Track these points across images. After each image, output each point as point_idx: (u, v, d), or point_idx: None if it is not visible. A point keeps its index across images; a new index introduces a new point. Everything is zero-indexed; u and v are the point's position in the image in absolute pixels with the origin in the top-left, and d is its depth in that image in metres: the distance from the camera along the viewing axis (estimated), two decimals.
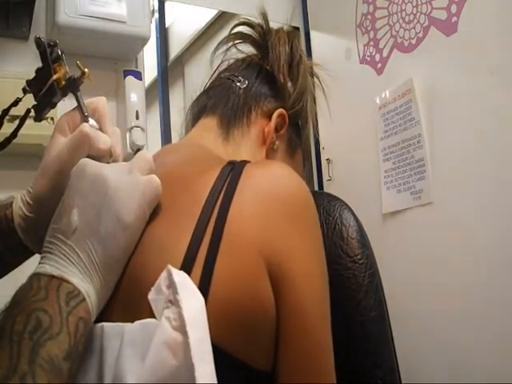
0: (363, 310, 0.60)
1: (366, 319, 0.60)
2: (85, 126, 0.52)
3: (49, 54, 0.55)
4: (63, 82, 0.55)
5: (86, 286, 0.43)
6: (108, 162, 0.53)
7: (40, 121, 0.58)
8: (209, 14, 1.68)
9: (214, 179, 0.50)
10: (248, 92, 0.69)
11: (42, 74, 0.56)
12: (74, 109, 0.56)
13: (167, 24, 1.60)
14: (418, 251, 1.30)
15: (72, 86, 0.55)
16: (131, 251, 0.47)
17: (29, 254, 0.58)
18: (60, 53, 0.56)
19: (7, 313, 0.40)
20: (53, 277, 0.42)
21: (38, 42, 0.55)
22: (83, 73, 0.56)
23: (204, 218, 0.47)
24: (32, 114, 0.59)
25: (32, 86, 0.57)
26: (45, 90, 0.55)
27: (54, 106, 0.57)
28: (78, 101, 0.55)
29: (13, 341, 0.37)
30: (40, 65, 0.56)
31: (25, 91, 0.58)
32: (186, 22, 1.70)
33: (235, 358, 0.44)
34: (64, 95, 0.56)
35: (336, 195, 0.69)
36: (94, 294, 0.44)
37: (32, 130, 0.59)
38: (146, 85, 1.49)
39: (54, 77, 0.55)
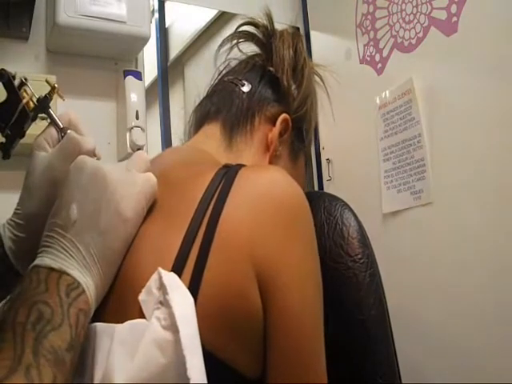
0: (363, 309, 0.60)
1: (367, 318, 0.60)
2: (72, 133, 0.55)
3: (13, 82, 0.56)
4: (32, 105, 0.56)
5: (86, 278, 0.44)
6: None
7: (9, 157, 0.59)
8: (209, 14, 1.68)
9: (208, 181, 0.50)
10: (252, 97, 0.69)
11: (7, 106, 0.57)
12: (48, 126, 0.58)
13: (167, 24, 1.60)
14: (418, 251, 1.30)
15: (42, 105, 0.57)
16: (129, 244, 0.48)
17: (17, 282, 0.57)
18: (24, 79, 0.57)
19: (9, 306, 0.41)
20: (52, 269, 0.43)
21: (1, 74, 0.56)
22: (53, 88, 0.57)
23: (196, 219, 0.47)
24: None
25: None
26: (15, 116, 0.56)
27: (23, 135, 0.58)
28: (51, 117, 0.57)
29: (16, 332, 0.38)
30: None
31: None
32: (186, 22, 1.70)
33: (223, 362, 0.44)
34: (34, 118, 0.57)
35: (336, 195, 0.69)
36: (93, 286, 0.44)
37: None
38: (145, 85, 1.49)
39: (24, 101, 0.56)
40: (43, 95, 0.57)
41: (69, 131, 0.55)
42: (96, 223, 0.45)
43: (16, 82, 0.57)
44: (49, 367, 0.37)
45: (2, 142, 0.58)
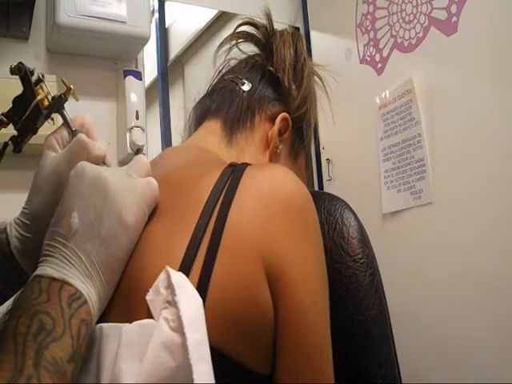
0: (363, 309, 0.60)
1: (367, 318, 0.60)
2: (81, 136, 0.54)
3: (30, 77, 0.56)
4: (46, 103, 0.56)
5: (88, 288, 0.43)
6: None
7: (19, 152, 0.58)
8: (209, 14, 1.68)
9: (214, 181, 0.50)
10: (252, 95, 0.69)
11: (22, 100, 0.56)
12: (60, 126, 0.57)
13: (167, 24, 1.60)
14: (417, 251, 1.30)
15: (56, 104, 0.56)
16: (131, 251, 0.47)
17: (22, 281, 0.55)
18: (41, 76, 0.57)
19: (10, 315, 0.40)
20: (54, 279, 0.42)
21: (19, 67, 0.56)
22: (69, 89, 0.56)
23: (203, 219, 0.47)
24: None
25: (10, 116, 0.57)
26: (28, 112, 0.55)
27: (35, 131, 0.57)
28: (64, 118, 0.56)
29: (17, 343, 0.37)
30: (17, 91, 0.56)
31: (2, 123, 0.57)
32: (185, 22, 1.70)
33: (233, 360, 0.44)
34: (48, 116, 0.57)
35: (336, 195, 0.69)
36: (96, 296, 0.44)
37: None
38: (146, 85, 1.49)
39: (38, 97, 0.55)
40: (58, 94, 0.56)
41: (80, 134, 0.54)
42: (97, 231, 0.45)
43: (33, 78, 0.56)
44: (49, 379, 0.36)
45: (14, 136, 0.58)
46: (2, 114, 0.57)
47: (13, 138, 0.58)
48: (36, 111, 0.55)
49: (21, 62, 0.56)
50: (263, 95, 0.70)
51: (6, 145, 0.58)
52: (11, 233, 0.55)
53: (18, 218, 0.56)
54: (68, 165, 0.52)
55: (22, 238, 0.55)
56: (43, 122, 0.57)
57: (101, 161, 0.54)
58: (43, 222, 0.51)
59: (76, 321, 0.41)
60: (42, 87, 0.56)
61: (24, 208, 0.56)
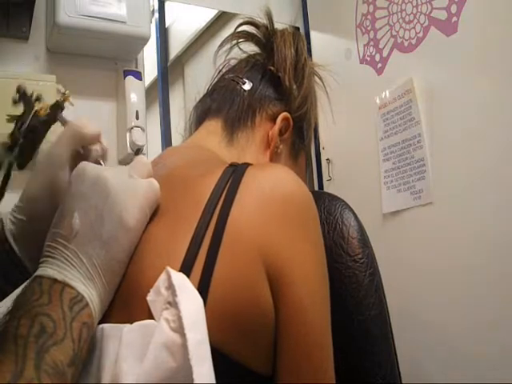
0: (363, 309, 0.60)
1: (367, 318, 0.60)
2: (71, 122, 0.55)
3: (29, 95, 0.59)
4: (48, 110, 0.58)
5: (89, 290, 0.43)
6: (100, 162, 0.56)
7: (22, 168, 0.60)
8: (209, 14, 1.68)
9: (215, 181, 0.50)
10: (253, 95, 0.69)
11: (24, 117, 0.59)
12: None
13: (167, 24, 1.61)
14: (418, 251, 1.30)
15: (54, 113, 0.58)
16: (132, 253, 0.47)
17: (19, 272, 0.55)
18: (40, 95, 0.59)
19: (10, 315, 0.40)
20: (55, 280, 0.42)
21: (19, 88, 0.59)
22: (64, 94, 0.58)
23: (204, 220, 0.47)
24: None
25: (14, 138, 0.59)
26: (28, 121, 0.58)
27: (35, 147, 0.59)
28: (63, 120, 0.58)
29: (18, 344, 0.37)
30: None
31: (5, 145, 0.60)
32: (186, 22, 1.70)
33: (233, 360, 0.44)
34: (47, 127, 0.59)
35: (336, 195, 0.69)
36: (97, 298, 0.44)
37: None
38: (146, 85, 1.49)
39: (35, 108, 0.58)
40: (54, 102, 0.58)
41: (69, 122, 0.56)
42: (99, 233, 0.45)
43: (33, 99, 0.59)
44: (50, 382, 0.36)
45: (17, 153, 0.60)
46: (8, 136, 0.60)
47: (16, 156, 0.60)
48: (35, 125, 0.58)
49: (19, 85, 0.60)
50: (264, 95, 0.70)
51: (10, 164, 0.60)
52: (6, 221, 0.56)
53: (14, 205, 0.57)
54: (59, 146, 0.53)
55: (15, 220, 0.55)
56: (44, 136, 0.59)
57: (94, 141, 0.55)
58: (37, 204, 0.51)
59: (77, 324, 0.41)
60: (40, 102, 0.59)
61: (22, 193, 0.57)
